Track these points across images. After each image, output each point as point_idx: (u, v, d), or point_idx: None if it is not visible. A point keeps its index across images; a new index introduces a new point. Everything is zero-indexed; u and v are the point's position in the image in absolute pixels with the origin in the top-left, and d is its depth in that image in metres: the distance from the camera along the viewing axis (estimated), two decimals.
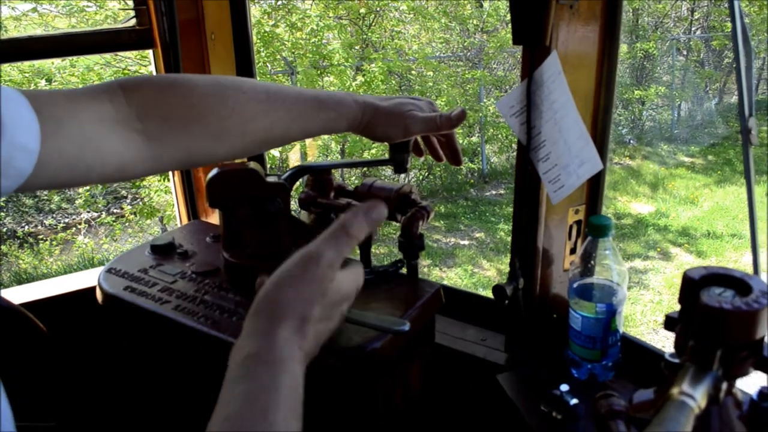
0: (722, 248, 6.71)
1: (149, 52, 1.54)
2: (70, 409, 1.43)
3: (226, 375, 0.63)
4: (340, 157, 7.35)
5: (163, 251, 1.23)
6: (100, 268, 1.24)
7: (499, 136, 8.83)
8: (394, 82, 8.10)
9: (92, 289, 1.20)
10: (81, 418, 1.45)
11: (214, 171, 1.06)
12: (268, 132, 0.90)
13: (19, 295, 1.38)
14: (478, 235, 7.23)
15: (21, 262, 6.53)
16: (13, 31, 7.35)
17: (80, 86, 0.82)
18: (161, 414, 1.29)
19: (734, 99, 11.21)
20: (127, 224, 7.06)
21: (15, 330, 1.21)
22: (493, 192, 8.37)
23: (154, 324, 1.04)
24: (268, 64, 7.16)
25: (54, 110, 0.69)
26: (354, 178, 7.53)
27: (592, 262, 1.04)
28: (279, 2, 7.69)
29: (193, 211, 1.57)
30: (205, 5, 1.45)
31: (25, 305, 1.23)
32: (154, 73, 1.56)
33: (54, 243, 6.77)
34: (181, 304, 1.05)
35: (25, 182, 0.66)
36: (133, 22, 1.51)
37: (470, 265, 6.51)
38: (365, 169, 7.37)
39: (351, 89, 7.23)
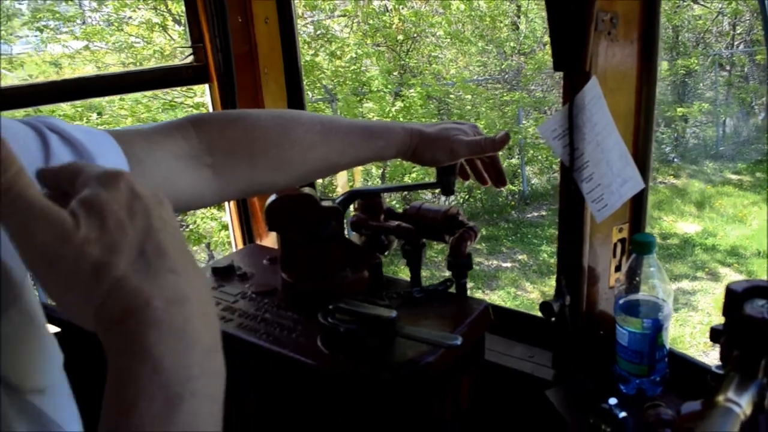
0: None
1: (199, 86, 1.64)
2: None
3: None
4: (380, 181, 7.44)
5: (223, 273, 1.30)
6: None
7: (539, 157, 8.81)
8: (432, 106, 8.18)
9: None
10: None
11: (273, 197, 1.13)
12: (324, 160, 0.97)
13: None
14: (520, 257, 7.19)
15: None
16: (67, 68, 7.69)
17: (142, 122, 0.89)
18: (223, 427, 1.35)
19: None
20: None
21: (85, 348, 1.29)
22: (535, 214, 8.33)
23: None
24: (309, 92, 7.33)
25: (135, 149, 0.76)
26: (394, 202, 7.60)
27: (637, 278, 1.07)
28: (318, 32, 7.88)
29: (249, 235, 1.64)
30: (258, 42, 1.54)
31: None
32: (209, 104, 1.66)
33: None
34: (244, 322, 1.11)
35: None
36: (191, 59, 1.61)
37: (513, 287, 6.47)
38: (405, 193, 7.43)
39: (390, 115, 7.33)
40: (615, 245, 1.18)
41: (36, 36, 7.55)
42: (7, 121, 0.65)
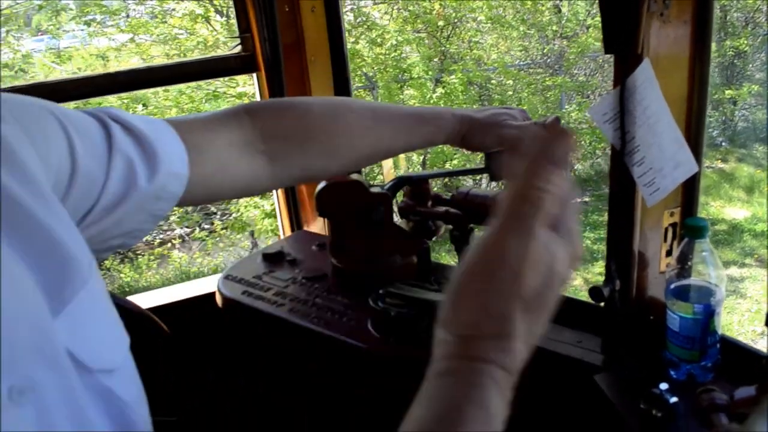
0: None
1: (242, 76, 1.66)
2: (190, 405, 1.55)
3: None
4: (421, 168, 7.43)
5: (273, 259, 1.33)
6: (214, 277, 1.35)
7: (582, 142, 8.65)
8: (473, 92, 8.12)
9: (209, 295, 1.31)
10: (200, 414, 1.57)
11: (323, 183, 1.15)
12: (375, 147, 0.98)
13: (145, 300, 1.53)
14: None
15: (123, 276, 6.95)
16: (114, 61, 7.87)
17: (204, 112, 0.92)
18: (276, 409, 1.39)
19: None
20: (218, 239, 7.39)
21: (141, 331, 1.34)
22: (578, 200, 8.22)
23: (271, 325, 1.14)
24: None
25: (194, 138, 0.79)
26: (435, 188, 7.57)
27: (689, 263, 1.05)
28: (359, 19, 7.88)
29: (297, 222, 1.68)
30: (305, 31, 1.56)
31: (151, 309, 1.36)
32: (257, 94, 1.69)
33: (151, 258, 7.16)
34: (295, 306, 1.14)
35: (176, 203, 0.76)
36: (238, 48, 1.64)
37: None
38: (446, 179, 7.42)
39: (431, 101, 7.30)
40: (666, 230, 1.16)
41: (83, 30, 7.72)
42: (73, 112, 0.67)
